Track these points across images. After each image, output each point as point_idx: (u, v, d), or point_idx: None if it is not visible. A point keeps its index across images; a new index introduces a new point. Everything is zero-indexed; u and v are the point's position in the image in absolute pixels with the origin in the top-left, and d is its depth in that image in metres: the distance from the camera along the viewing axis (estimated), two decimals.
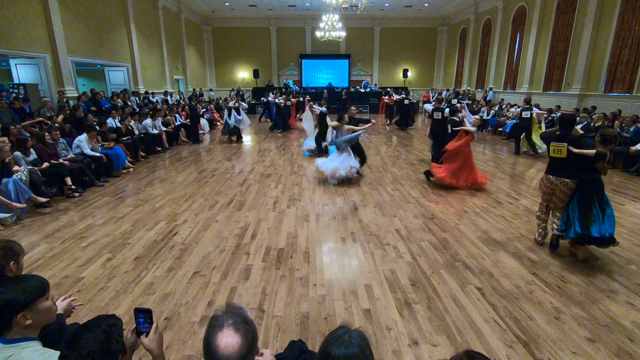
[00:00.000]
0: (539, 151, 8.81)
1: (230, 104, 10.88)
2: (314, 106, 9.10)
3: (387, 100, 15.77)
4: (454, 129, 6.11)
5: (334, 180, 6.27)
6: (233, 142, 10.79)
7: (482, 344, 2.44)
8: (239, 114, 10.76)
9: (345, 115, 6.43)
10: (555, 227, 3.78)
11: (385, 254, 3.76)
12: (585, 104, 11.03)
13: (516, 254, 3.75)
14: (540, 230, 3.96)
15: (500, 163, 8.17)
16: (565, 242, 3.86)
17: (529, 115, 8.88)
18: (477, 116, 6.51)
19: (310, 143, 9.14)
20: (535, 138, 8.91)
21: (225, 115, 10.86)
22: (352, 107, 7.06)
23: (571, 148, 3.50)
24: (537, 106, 9.51)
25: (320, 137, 8.94)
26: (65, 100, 8.94)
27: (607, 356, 2.32)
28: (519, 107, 9.51)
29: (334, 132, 6.45)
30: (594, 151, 3.39)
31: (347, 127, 6.32)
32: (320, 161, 6.55)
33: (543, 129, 9.00)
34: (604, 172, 3.51)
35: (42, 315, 1.39)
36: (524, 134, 9.12)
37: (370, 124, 6.77)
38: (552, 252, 3.77)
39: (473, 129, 5.92)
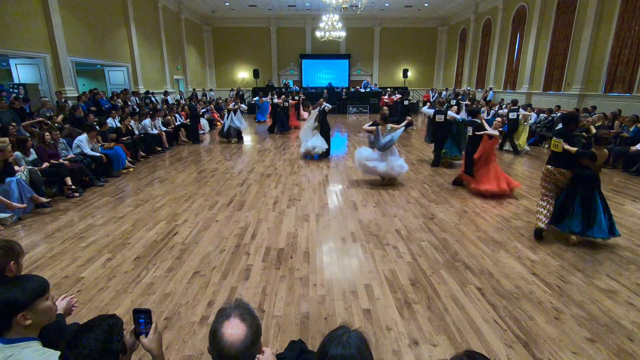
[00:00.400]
0: (519, 149, 9.19)
1: (230, 105, 10.71)
2: (324, 103, 8.63)
3: (386, 100, 15.81)
4: (477, 133, 5.80)
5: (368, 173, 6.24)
6: (233, 142, 10.62)
7: (482, 344, 2.44)
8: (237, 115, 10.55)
9: (386, 116, 6.27)
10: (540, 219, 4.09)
11: (385, 254, 3.76)
12: (585, 104, 11.03)
13: (516, 254, 3.75)
14: (542, 217, 4.03)
15: (500, 163, 8.16)
16: (560, 236, 3.89)
17: (515, 117, 9.18)
18: (498, 118, 6.11)
19: (317, 143, 8.37)
20: (516, 138, 9.30)
21: (225, 117, 10.70)
22: (385, 108, 6.93)
23: (564, 144, 3.86)
24: (529, 106, 9.80)
25: (327, 136, 8.48)
26: (63, 100, 8.93)
27: (607, 356, 2.32)
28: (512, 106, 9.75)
29: (371, 136, 6.14)
30: (575, 149, 3.75)
31: (389, 126, 6.11)
32: (363, 154, 6.21)
33: (527, 130, 9.34)
34: (596, 169, 3.78)
35: (42, 315, 1.39)
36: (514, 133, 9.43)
37: (408, 120, 6.73)
38: (536, 238, 4.07)
39: (496, 132, 5.66)
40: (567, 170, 3.92)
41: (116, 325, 1.22)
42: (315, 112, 8.46)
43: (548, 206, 4.04)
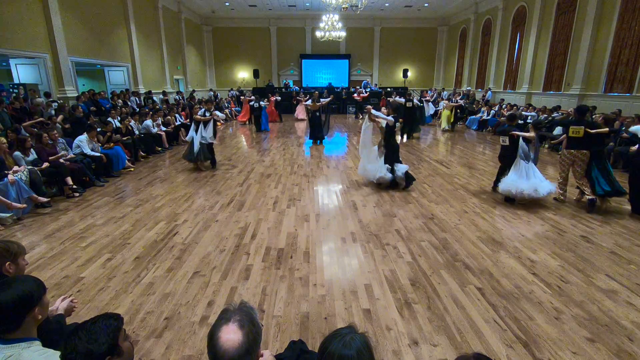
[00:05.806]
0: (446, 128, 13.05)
1: (199, 114, 7.51)
2: (374, 111, 6.12)
3: (357, 98, 16.89)
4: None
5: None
6: (204, 168, 7.48)
7: (482, 344, 2.44)
8: (205, 127, 7.38)
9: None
10: (587, 193, 4.94)
11: (385, 254, 3.76)
12: (585, 104, 11.02)
13: (516, 254, 3.75)
14: (561, 191, 5.33)
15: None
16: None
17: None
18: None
19: (381, 170, 6.03)
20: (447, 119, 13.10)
21: (192, 130, 7.52)
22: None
23: (587, 129, 4.85)
24: (529, 106, 11.93)
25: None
26: (55, 102, 8.82)
27: (607, 356, 2.32)
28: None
29: (525, 147, 5.12)
30: (607, 129, 4.92)
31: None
32: (516, 183, 5.05)
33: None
34: (606, 144, 4.81)
35: (46, 310, 1.44)
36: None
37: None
38: (591, 212, 4.87)
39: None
40: (587, 150, 4.90)
41: (116, 327, 1.21)
42: (370, 126, 6.28)
43: (565, 185, 5.30)
